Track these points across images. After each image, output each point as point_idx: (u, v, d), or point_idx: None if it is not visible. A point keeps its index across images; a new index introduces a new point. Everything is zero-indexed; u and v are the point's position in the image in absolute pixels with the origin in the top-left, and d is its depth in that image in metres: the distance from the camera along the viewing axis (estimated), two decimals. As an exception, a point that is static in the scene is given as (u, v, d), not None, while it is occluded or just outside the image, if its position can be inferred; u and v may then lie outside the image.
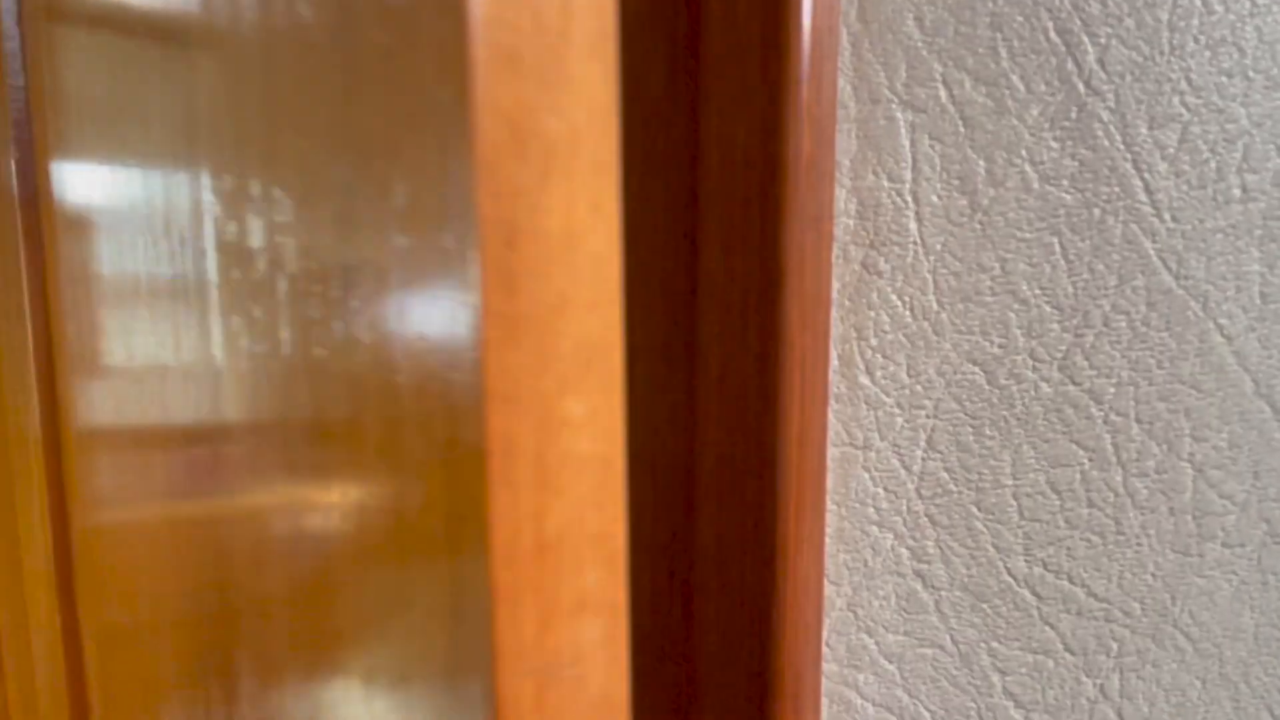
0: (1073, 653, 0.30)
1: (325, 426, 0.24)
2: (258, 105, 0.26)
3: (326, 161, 0.23)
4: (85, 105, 0.41)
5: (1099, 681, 0.30)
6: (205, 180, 0.30)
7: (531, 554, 0.20)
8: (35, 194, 0.44)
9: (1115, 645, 0.29)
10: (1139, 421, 0.28)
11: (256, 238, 0.27)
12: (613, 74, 0.21)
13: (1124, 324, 0.28)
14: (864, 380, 0.30)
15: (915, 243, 0.29)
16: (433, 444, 0.21)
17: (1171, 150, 0.27)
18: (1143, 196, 0.27)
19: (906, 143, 0.28)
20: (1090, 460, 0.29)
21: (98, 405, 0.43)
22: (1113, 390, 0.28)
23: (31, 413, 0.47)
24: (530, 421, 0.20)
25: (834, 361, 0.30)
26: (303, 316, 0.25)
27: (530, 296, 0.20)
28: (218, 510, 0.33)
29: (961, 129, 0.28)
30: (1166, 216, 0.28)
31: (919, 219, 0.29)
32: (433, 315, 0.20)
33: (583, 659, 0.22)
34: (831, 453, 0.30)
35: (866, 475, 0.30)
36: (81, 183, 0.42)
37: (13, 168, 0.45)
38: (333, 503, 0.24)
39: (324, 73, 0.22)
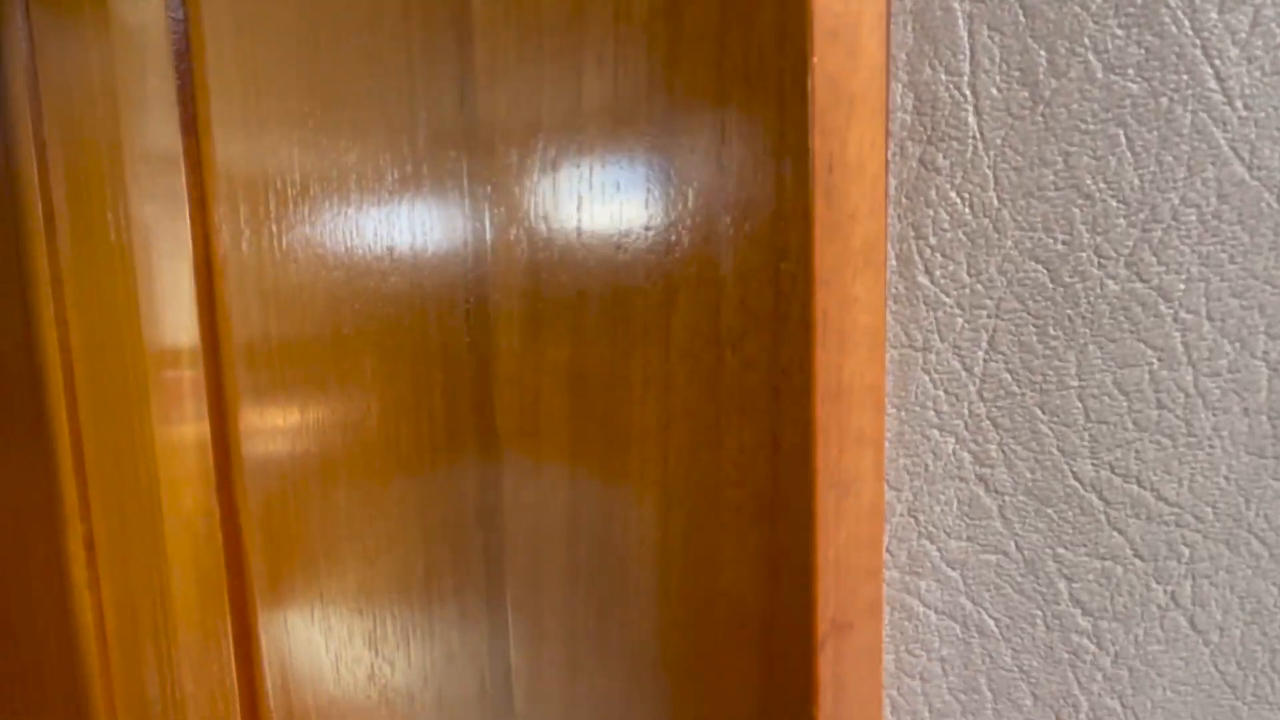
0: (1142, 559, 0.29)
1: (627, 309, 0.31)
2: (557, 53, 0.32)
3: (642, 109, 0.29)
4: (247, 34, 0.43)
5: (1170, 588, 0.29)
6: (474, 115, 0.36)
7: (834, 398, 0.27)
8: (195, 124, 0.47)
9: (1187, 551, 0.29)
10: (1210, 319, 0.28)
11: (536, 172, 0.33)
12: (884, 42, 0.28)
13: (1194, 217, 0.27)
14: (923, 280, 0.29)
15: (975, 137, 0.28)
16: (752, 316, 0.27)
17: (1243, 35, 0.26)
18: (1213, 84, 0.27)
19: (964, 34, 0.28)
20: (1159, 360, 0.28)
21: (271, 320, 0.47)
22: (1182, 287, 0.27)
23: (188, 327, 0.51)
24: (836, 299, 0.26)
25: (891, 261, 0.29)
26: (618, 220, 0.31)
27: (839, 207, 0.26)
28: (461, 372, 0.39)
29: (1021, 18, 0.27)
30: (1238, 104, 0.27)
31: (978, 113, 0.28)
32: (763, 220, 0.27)
33: (861, 479, 0.29)
34: (890, 354, 0.30)
35: (926, 377, 0.30)
36: (243, 117, 0.44)
37: (174, 99, 0.48)
38: (632, 371, 0.31)
39: (648, 39, 0.29)
